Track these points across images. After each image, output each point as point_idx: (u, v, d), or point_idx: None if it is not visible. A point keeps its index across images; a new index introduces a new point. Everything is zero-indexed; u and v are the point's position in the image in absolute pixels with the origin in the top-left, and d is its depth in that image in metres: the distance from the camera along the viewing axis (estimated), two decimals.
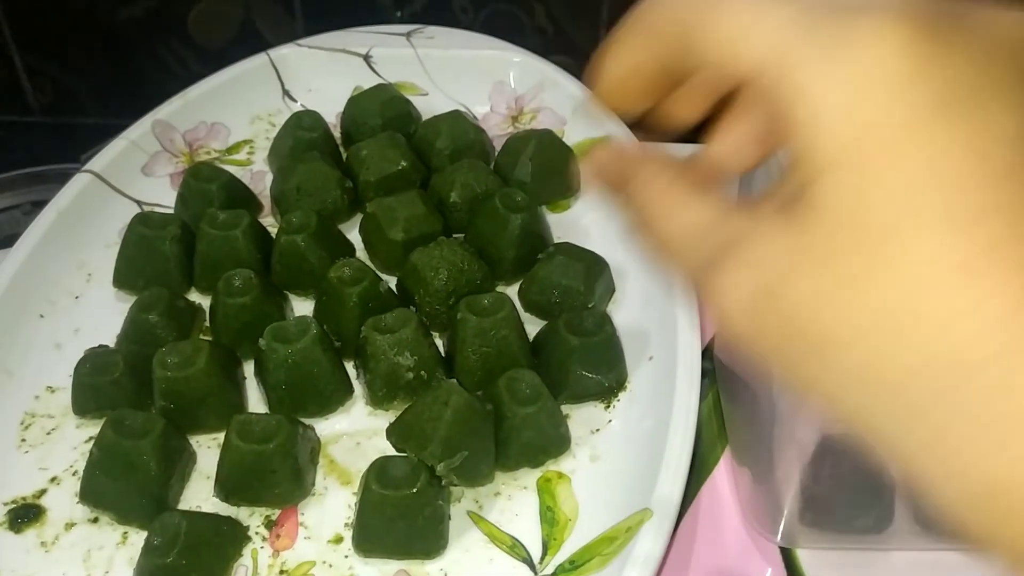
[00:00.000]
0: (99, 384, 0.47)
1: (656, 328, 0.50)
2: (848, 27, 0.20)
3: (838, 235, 0.20)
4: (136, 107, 0.63)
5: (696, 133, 0.29)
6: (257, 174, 0.62)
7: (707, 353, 0.53)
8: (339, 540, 0.43)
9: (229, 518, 0.44)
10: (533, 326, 0.51)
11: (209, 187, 0.56)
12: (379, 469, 0.42)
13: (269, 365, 0.47)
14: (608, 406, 0.48)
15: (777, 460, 0.43)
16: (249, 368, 0.50)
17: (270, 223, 0.58)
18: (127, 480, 0.43)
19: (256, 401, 0.49)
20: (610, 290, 0.53)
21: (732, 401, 0.50)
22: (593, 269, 0.51)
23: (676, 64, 0.24)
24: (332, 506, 0.45)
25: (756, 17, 0.21)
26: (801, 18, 0.21)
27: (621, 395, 0.48)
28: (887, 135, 0.19)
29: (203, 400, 0.46)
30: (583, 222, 0.58)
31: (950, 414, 0.19)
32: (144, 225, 0.53)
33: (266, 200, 0.59)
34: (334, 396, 0.48)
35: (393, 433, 0.45)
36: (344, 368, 0.49)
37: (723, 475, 0.49)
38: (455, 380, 0.45)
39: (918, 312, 0.19)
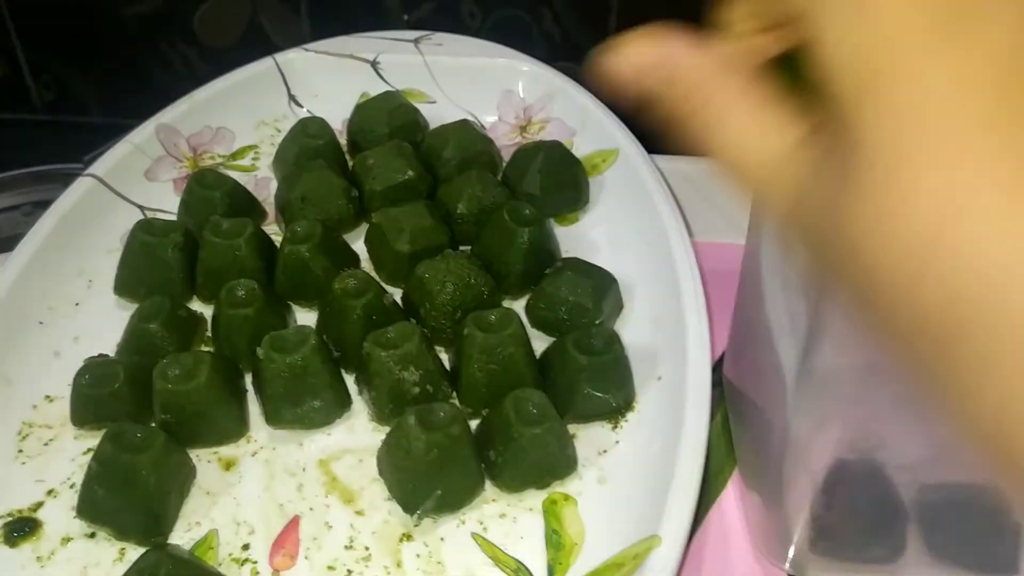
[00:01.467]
0: (98, 395, 0.46)
1: (665, 347, 0.49)
2: None
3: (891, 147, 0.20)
4: (140, 107, 0.62)
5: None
6: (262, 180, 0.61)
7: (716, 371, 0.52)
8: (331, 568, 0.43)
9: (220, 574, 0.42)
10: (540, 342, 0.50)
11: (213, 194, 0.55)
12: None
13: (266, 375, 0.46)
14: (616, 426, 0.47)
15: (788, 486, 0.42)
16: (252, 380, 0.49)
17: (274, 231, 0.57)
18: (125, 495, 0.42)
19: (258, 414, 0.48)
20: (618, 307, 0.52)
21: (741, 422, 0.49)
22: (601, 285, 0.50)
23: None
24: (335, 526, 0.44)
25: None
26: None
27: (629, 415, 0.47)
28: (913, 43, 0.20)
29: (204, 414, 0.46)
30: (591, 235, 0.57)
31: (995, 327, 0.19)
32: (146, 232, 0.52)
33: (270, 207, 0.59)
34: (332, 409, 0.47)
35: (379, 464, 0.45)
36: (343, 380, 0.48)
37: (731, 499, 0.48)
38: (416, 416, 0.43)
39: (969, 215, 0.19)
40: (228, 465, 0.46)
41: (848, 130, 0.20)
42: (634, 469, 0.45)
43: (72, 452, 0.47)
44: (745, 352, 0.49)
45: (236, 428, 0.47)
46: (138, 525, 0.43)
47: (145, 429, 0.44)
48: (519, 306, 0.52)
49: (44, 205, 0.74)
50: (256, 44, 0.77)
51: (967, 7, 0.20)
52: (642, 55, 0.26)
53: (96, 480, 0.43)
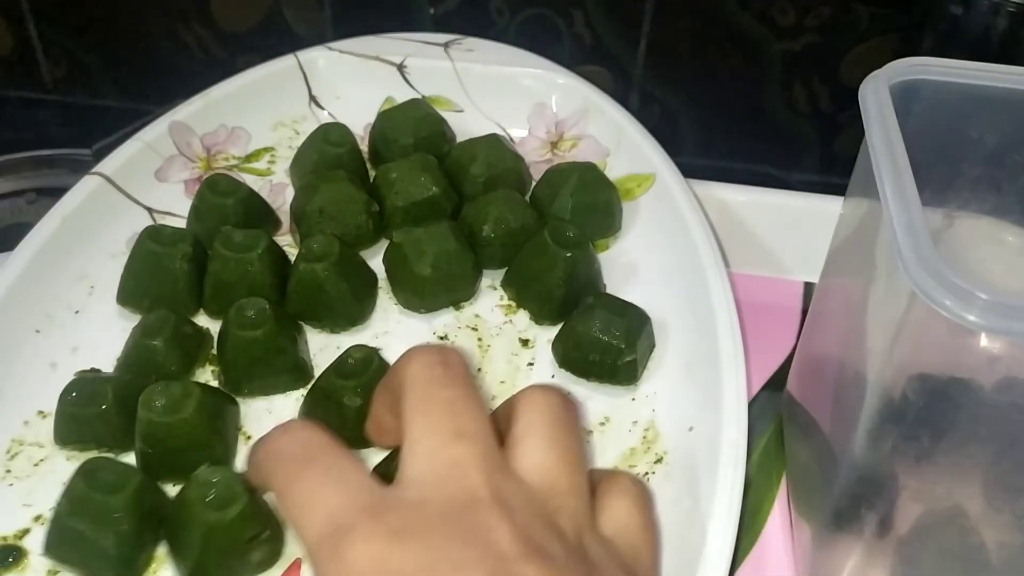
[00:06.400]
0: (84, 415, 0.43)
1: (698, 394, 0.46)
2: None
3: None
4: (153, 89, 0.60)
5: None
6: (277, 186, 0.58)
7: (773, 384, 0.50)
8: None
9: None
10: (564, 380, 0.47)
11: (226, 201, 0.52)
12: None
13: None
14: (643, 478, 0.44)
15: (845, 532, 0.39)
16: (247, 410, 0.46)
17: (287, 242, 0.54)
18: (96, 537, 0.39)
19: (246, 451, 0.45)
20: (651, 346, 0.49)
21: (800, 443, 0.46)
22: (635, 325, 0.47)
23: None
24: None
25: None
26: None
27: (657, 468, 0.44)
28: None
29: (184, 450, 0.42)
30: (621, 262, 0.54)
31: None
32: (154, 240, 0.49)
33: (285, 215, 0.55)
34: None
35: None
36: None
37: (777, 531, 0.45)
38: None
39: None
40: None
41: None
42: (661, 531, 0.42)
43: (63, 474, 0.43)
44: (813, 376, 0.45)
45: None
46: (109, 570, 0.39)
47: (123, 467, 0.40)
48: (550, 335, 0.49)
49: (48, 192, 0.71)
50: (275, 30, 0.74)
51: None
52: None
53: (66, 519, 0.39)
